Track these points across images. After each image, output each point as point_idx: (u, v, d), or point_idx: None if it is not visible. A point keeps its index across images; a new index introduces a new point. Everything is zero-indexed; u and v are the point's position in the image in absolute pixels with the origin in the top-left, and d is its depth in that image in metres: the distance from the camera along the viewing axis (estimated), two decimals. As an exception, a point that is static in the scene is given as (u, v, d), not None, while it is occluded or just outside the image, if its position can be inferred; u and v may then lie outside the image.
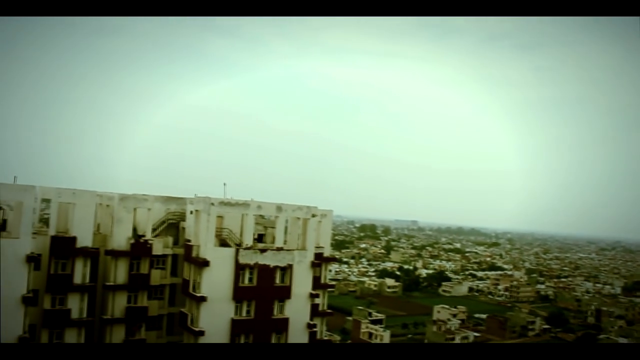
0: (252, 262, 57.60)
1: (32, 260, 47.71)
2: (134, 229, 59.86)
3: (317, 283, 65.61)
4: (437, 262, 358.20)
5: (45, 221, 63.32)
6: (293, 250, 60.56)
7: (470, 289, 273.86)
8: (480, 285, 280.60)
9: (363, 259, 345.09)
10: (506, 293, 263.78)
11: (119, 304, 57.28)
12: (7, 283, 46.21)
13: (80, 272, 54.31)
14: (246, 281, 57.69)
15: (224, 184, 65.57)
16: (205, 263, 55.79)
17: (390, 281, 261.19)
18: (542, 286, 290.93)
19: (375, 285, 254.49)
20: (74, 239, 54.05)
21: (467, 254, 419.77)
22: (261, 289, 58.02)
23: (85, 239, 54.51)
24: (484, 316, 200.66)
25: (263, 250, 58.78)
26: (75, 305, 54.06)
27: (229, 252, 57.49)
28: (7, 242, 47.06)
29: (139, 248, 58.12)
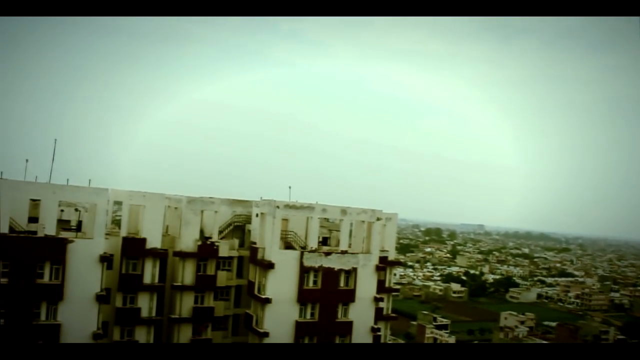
0: (316, 265, 57.75)
1: (105, 260, 49.32)
2: (201, 231, 61.04)
3: (381, 287, 65.20)
4: (505, 267, 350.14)
5: (117, 223, 65.32)
6: (357, 253, 60.38)
7: (539, 296, 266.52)
8: (550, 292, 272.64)
9: (428, 263, 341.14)
10: (577, 301, 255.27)
11: (186, 304, 58.50)
12: (82, 281, 47.97)
13: (150, 272, 55.81)
14: (311, 284, 57.88)
15: (289, 187, 66.18)
16: (270, 265, 56.30)
17: (455, 286, 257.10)
18: (617, 294, 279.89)
19: (440, 290, 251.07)
20: (144, 240, 55.59)
21: (535, 260, 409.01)
22: (325, 291, 58.07)
23: (154, 240, 55.98)
24: (553, 324, 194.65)
25: (328, 254, 58.85)
26: (145, 304, 55.59)
27: (294, 254, 57.82)
28: (82, 242, 48.84)
29: (206, 250, 59.21)
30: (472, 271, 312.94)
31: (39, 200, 53.56)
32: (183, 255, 58.36)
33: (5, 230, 46.83)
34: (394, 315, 73.65)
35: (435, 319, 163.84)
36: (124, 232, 56.52)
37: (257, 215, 62.58)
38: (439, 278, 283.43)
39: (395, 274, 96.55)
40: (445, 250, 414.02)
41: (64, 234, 50.56)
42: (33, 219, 56.48)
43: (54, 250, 47.38)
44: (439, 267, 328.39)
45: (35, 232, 50.51)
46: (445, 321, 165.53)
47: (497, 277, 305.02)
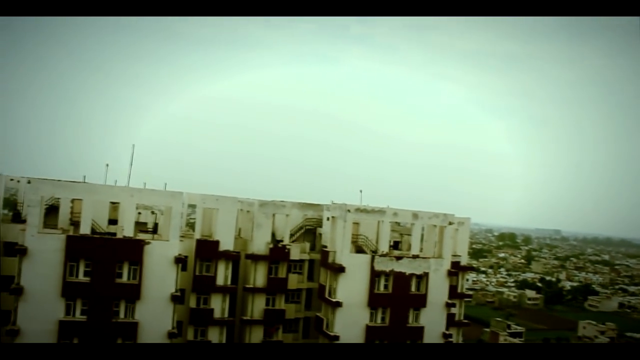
0: (387, 269, 57.36)
1: (180, 261, 50.56)
2: (273, 234, 61.70)
3: (453, 292, 64.07)
4: (583, 274, 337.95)
5: (191, 225, 66.88)
6: (429, 258, 59.61)
7: (621, 305, 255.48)
8: (633, 301, 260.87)
9: (502, 269, 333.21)
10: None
11: (258, 305, 59.25)
12: (158, 281, 49.37)
13: (223, 274, 56.81)
14: (381, 288, 57.53)
15: (360, 191, 66.07)
16: (341, 269, 56.31)
17: (530, 293, 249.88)
18: None
19: (514, 297, 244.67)
20: (217, 242, 56.65)
21: (617, 267, 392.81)
22: (396, 296, 57.60)
23: (227, 243, 56.95)
24: (637, 335, 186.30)
25: (399, 258, 58.36)
26: (218, 305, 56.63)
27: (365, 258, 57.63)
28: (159, 244, 50.25)
29: (278, 253, 59.79)
30: (548, 278, 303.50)
31: (118, 203, 55.60)
32: (255, 258, 59.14)
33: (87, 231, 48.75)
34: (466, 321, 72.25)
35: (509, 326, 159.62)
36: (197, 235, 57.83)
37: (328, 218, 62.76)
38: (513, 284, 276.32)
39: (467, 280, 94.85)
40: (519, 256, 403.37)
41: (141, 236, 52.15)
42: (113, 221, 58.74)
43: (132, 251, 48.96)
44: (513, 273, 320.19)
45: (114, 234, 52.44)
46: (519, 329, 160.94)
47: (575, 284, 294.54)
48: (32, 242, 46.79)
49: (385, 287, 57.62)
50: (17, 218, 59.81)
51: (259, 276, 59.30)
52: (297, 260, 62.58)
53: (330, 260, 58.43)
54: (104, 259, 48.20)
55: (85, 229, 48.70)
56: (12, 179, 60.83)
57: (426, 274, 58.66)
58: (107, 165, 58.26)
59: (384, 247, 58.97)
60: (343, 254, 56.93)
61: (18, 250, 46.87)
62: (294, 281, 61.84)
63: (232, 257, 57.52)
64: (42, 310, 46.59)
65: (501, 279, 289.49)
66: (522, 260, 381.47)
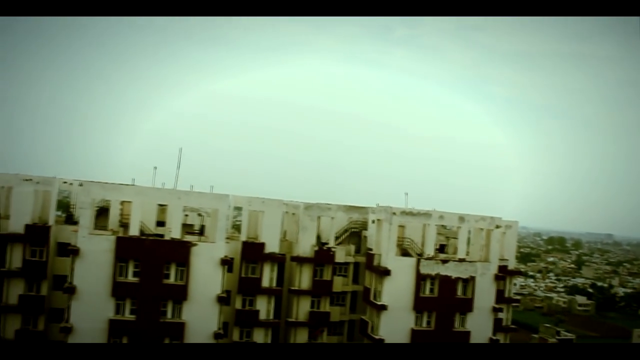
0: (433, 273, 56.84)
1: (226, 263, 51.13)
2: (318, 237, 61.85)
3: (500, 297, 63.12)
4: (638, 280, 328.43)
5: (237, 227, 67.52)
6: (476, 261, 58.82)
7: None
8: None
9: (551, 274, 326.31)
10: None
11: (303, 308, 59.43)
12: (204, 283, 50.04)
13: (268, 276, 57.24)
14: (427, 292, 57.03)
15: (406, 194, 65.65)
16: (386, 272, 56.07)
17: (581, 299, 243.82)
18: None
19: (564, 302, 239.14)
20: (262, 244, 57.12)
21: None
22: (442, 300, 57.01)
23: (272, 245, 57.36)
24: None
25: (445, 261, 57.78)
26: (263, 306, 57.09)
27: (410, 261, 57.24)
28: (205, 245, 50.95)
29: (323, 255, 59.90)
30: (599, 283, 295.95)
31: (165, 205, 56.61)
32: (300, 260, 59.37)
33: (136, 232, 49.79)
34: (513, 326, 71.02)
35: (558, 333, 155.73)
36: (243, 237, 58.41)
37: (373, 221, 62.58)
38: (562, 289, 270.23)
39: (515, 284, 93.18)
40: (569, 261, 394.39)
41: (188, 238, 52.96)
42: (161, 223, 59.78)
43: (179, 252, 49.75)
44: (563, 278, 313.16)
45: (162, 235, 53.35)
46: (569, 335, 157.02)
47: (629, 290, 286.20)
48: (83, 243, 48.03)
49: (431, 290, 57.10)
50: (70, 220, 61.57)
51: (304, 278, 59.51)
52: (342, 263, 62.57)
53: (375, 263, 58.24)
54: (152, 260, 49.11)
55: (134, 231, 49.76)
56: (65, 182, 62.54)
57: (473, 278, 57.89)
58: (155, 168, 59.39)
59: (429, 251, 58.48)
60: (388, 257, 56.67)
61: (71, 251, 48.22)
62: (339, 284, 61.84)
63: (278, 260, 57.89)
64: (93, 309, 47.77)
65: (550, 284, 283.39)
66: (572, 265, 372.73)
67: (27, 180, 54.92)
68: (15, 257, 53.93)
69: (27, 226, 54.10)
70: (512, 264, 69.63)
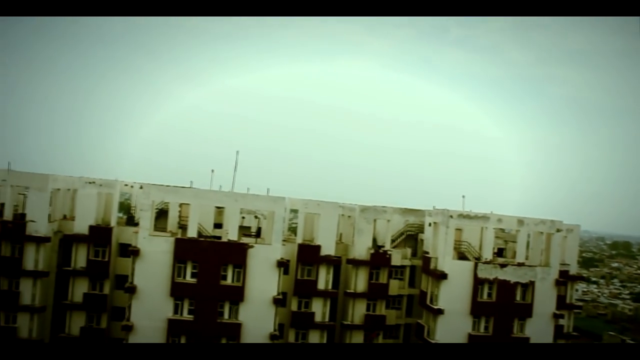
0: (491, 277, 55.87)
1: (282, 265, 51.51)
2: (374, 240, 61.62)
3: (561, 303, 61.50)
4: None
5: (293, 230, 67.95)
6: (535, 266, 57.50)
7: None
8: None
9: (615, 280, 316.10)
10: None
11: (358, 311, 59.30)
12: (261, 284, 50.53)
13: (324, 278, 57.38)
14: (485, 296, 56.12)
15: (463, 197, 64.76)
16: (443, 276, 55.44)
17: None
18: None
19: (630, 310, 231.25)
20: (318, 247, 57.31)
21: None
22: (500, 305, 55.97)
23: (328, 248, 57.48)
24: None
25: (503, 265, 56.72)
26: (319, 309, 57.25)
27: (468, 265, 56.45)
28: (262, 247, 51.46)
29: (379, 258, 59.63)
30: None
31: (223, 207, 57.49)
32: (356, 263, 59.26)
33: (194, 234, 50.72)
34: (575, 334, 69.09)
35: (623, 341, 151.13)
36: (299, 239, 58.72)
37: (429, 224, 61.98)
38: (628, 296, 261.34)
39: (577, 290, 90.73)
40: (635, 266, 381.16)
41: (245, 240, 53.59)
42: (218, 225, 60.73)
43: (236, 254, 50.39)
44: (628, 284, 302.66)
45: (219, 237, 54.18)
46: (634, 344, 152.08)
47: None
48: (144, 243, 49.24)
49: (489, 295, 56.15)
50: (131, 221, 63.27)
51: (359, 281, 59.38)
52: (399, 266, 62.21)
53: (432, 266, 57.67)
54: (210, 261, 49.91)
55: (192, 232, 50.68)
56: (126, 185, 64.43)
57: (532, 283, 56.61)
58: (213, 171, 60.32)
59: (487, 254, 57.53)
60: (445, 261, 56.04)
61: (131, 251, 49.57)
62: (395, 287, 61.50)
63: (333, 262, 57.97)
64: (152, 308, 48.91)
65: (614, 290, 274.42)
66: (639, 271, 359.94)
67: (90, 183, 56.82)
68: (80, 257, 55.90)
69: (91, 227, 55.97)
70: (573, 269, 67.79)
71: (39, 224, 53.99)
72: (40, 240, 53.96)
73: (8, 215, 55.07)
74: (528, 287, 56.63)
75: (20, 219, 55.53)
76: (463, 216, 57.55)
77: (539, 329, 56.83)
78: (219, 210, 60.73)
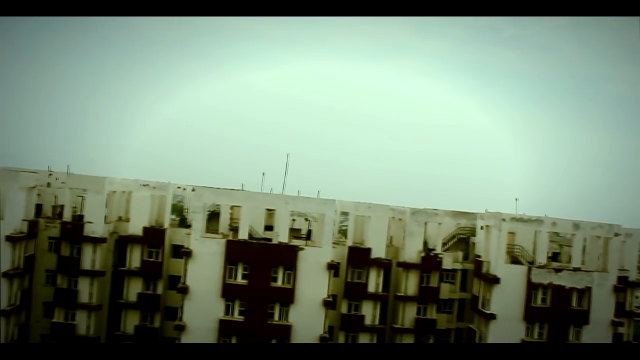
0: (545, 282, 54.57)
1: (332, 267, 51.55)
2: (425, 243, 61.04)
3: (621, 310, 59.56)
4: None
5: (343, 232, 67.95)
6: (592, 271, 55.85)
7: None
8: None
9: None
10: None
11: (409, 314, 58.84)
12: (311, 286, 50.66)
13: (374, 281, 57.23)
14: (539, 302, 54.87)
15: (516, 199, 63.64)
16: (495, 280, 54.47)
17: None
18: None
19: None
20: (369, 250, 57.19)
21: None
22: (555, 311, 54.57)
23: (379, 251, 57.30)
24: None
25: (558, 270, 55.35)
26: (369, 312, 57.14)
27: (521, 270, 55.30)
28: (312, 250, 51.62)
29: (430, 261, 59.06)
30: None
31: (273, 210, 57.95)
32: (407, 266, 58.83)
33: (245, 236, 51.27)
34: (636, 342, 66.79)
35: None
36: (349, 242, 58.72)
37: (481, 227, 61.03)
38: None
39: (637, 297, 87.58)
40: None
41: (295, 242, 53.87)
42: (269, 227, 61.23)
43: (287, 256, 50.68)
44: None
45: (270, 239, 54.64)
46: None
47: None
48: (196, 245, 50.04)
49: (543, 300, 54.85)
50: (183, 223, 64.47)
51: (410, 285, 58.91)
52: (450, 270, 61.46)
53: (484, 270, 56.74)
54: (261, 263, 50.32)
55: (243, 234, 51.22)
56: (179, 187, 65.71)
57: (589, 289, 55.00)
58: (264, 174, 60.94)
59: (541, 259, 56.24)
60: (498, 265, 55.04)
61: (184, 253, 50.46)
62: (446, 291, 60.71)
63: (384, 265, 57.75)
64: (204, 309, 49.62)
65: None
66: None
67: (144, 185, 58.22)
68: (135, 258, 57.26)
69: (145, 229, 57.24)
70: (633, 275, 65.53)
71: (95, 225, 55.54)
72: (97, 241, 55.50)
73: (67, 216, 56.92)
74: (584, 293, 55.05)
75: (78, 220, 57.27)
76: (516, 219, 56.46)
77: (596, 336, 55.14)
78: (270, 212, 61.20)
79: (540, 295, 54.79)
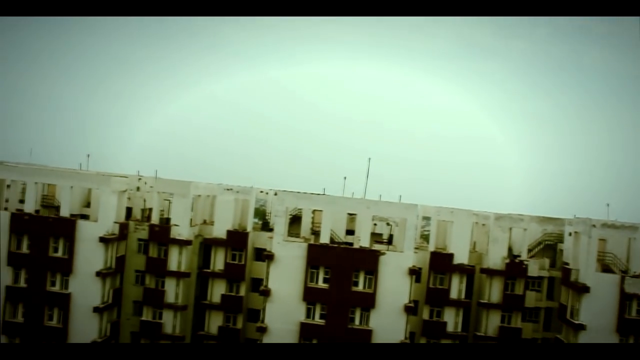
0: (640, 292, 51.99)
1: (414, 273, 50.98)
2: (509, 249, 59.44)
3: None
4: None
5: (425, 237, 67.15)
6: (692, 282, 52.73)
7: None
8: None
9: None
10: None
11: (492, 322, 57.40)
12: (392, 292, 50.30)
13: (457, 287, 56.25)
14: (633, 313, 52.27)
15: (607, 205, 60.93)
16: (585, 289, 52.32)
17: None
18: None
19: None
20: (451, 255, 56.26)
21: None
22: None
23: (461, 256, 56.27)
24: None
25: (654, 280, 52.58)
26: (451, 318, 56.20)
27: (613, 279, 52.88)
28: (393, 255, 51.25)
29: (514, 268, 57.44)
30: None
31: (355, 214, 57.98)
32: (490, 273, 57.45)
33: (327, 240, 51.50)
34: None
35: None
36: (432, 247, 57.98)
37: (570, 234, 58.79)
38: None
39: None
40: None
41: (377, 247, 53.62)
42: (350, 232, 61.29)
43: (368, 261, 50.52)
44: None
45: (351, 244, 54.69)
46: None
47: None
48: (278, 248, 50.69)
49: (638, 312, 52.23)
50: (266, 227, 65.50)
51: (494, 292, 57.48)
52: (536, 277, 59.49)
53: (572, 278, 54.60)
54: (342, 267, 50.38)
55: (324, 238, 51.47)
56: (261, 191, 66.89)
57: (688, 300, 51.98)
58: (345, 178, 61.03)
59: (636, 268, 53.59)
60: (587, 273, 52.84)
61: (266, 256, 51.21)
62: (532, 299, 58.82)
63: (467, 271, 56.69)
64: (286, 312, 50.20)
65: None
66: None
67: (228, 190, 59.57)
68: (218, 260, 58.66)
69: (229, 232, 58.51)
70: None
71: (181, 228, 57.27)
72: (182, 243, 57.19)
73: (155, 219, 59.01)
74: (683, 304, 52.10)
75: (165, 223, 59.25)
76: (607, 226, 54.00)
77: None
78: (351, 216, 61.25)
79: (635, 307, 52.21)
